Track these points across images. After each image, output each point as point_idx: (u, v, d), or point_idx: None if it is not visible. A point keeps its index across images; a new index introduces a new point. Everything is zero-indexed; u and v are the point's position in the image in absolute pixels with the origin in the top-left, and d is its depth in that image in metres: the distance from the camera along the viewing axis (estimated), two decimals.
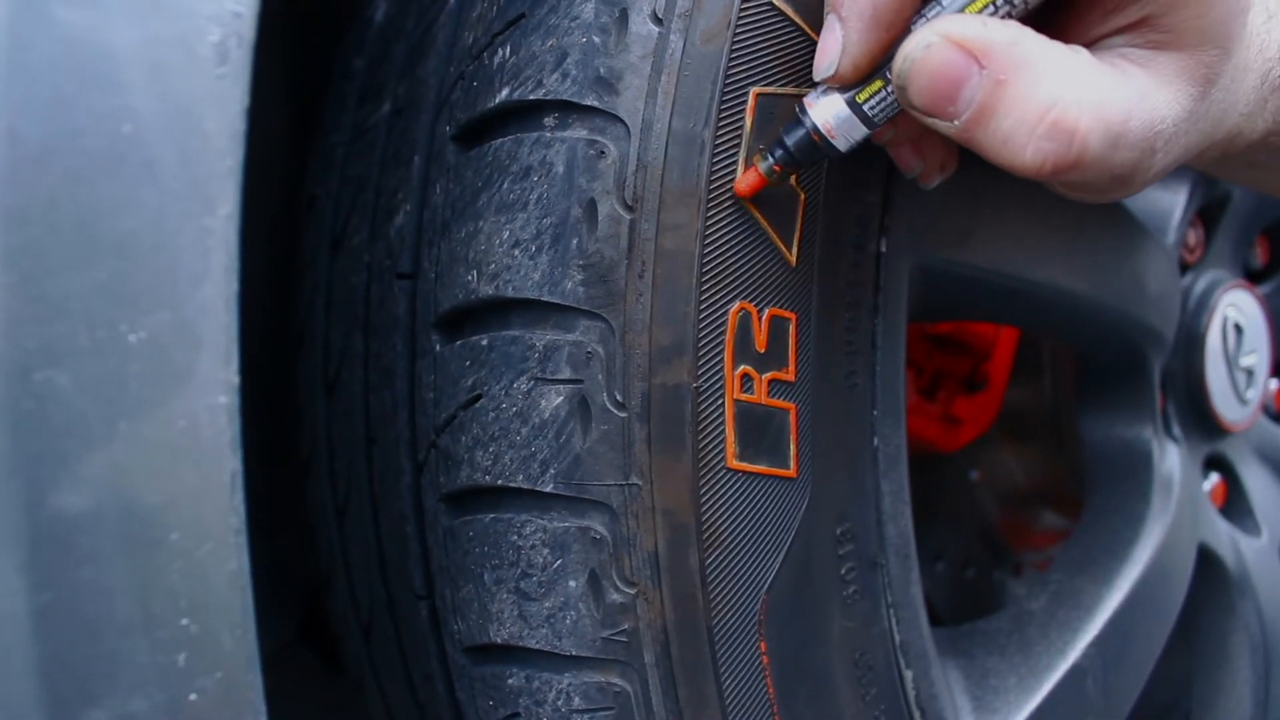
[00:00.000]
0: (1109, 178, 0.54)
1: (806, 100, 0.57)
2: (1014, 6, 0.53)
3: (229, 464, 0.44)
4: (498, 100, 0.60)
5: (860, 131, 0.56)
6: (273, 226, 0.88)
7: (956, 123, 0.52)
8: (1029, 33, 0.52)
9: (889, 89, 0.55)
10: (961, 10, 0.53)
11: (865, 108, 0.56)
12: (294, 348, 0.82)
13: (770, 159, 0.57)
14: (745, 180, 0.58)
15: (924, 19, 0.54)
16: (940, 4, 0.53)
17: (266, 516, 0.90)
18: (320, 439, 0.79)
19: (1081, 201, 0.62)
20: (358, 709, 0.86)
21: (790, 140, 0.57)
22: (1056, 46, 0.52)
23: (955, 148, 0.62)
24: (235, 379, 0.44)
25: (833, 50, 0.55)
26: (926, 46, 0.52)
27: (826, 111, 0.56)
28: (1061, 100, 0.50)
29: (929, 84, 0.52)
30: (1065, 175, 0.52)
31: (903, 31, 0.54)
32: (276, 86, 0.90)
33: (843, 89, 0.56)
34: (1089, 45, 0.56)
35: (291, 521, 0.88)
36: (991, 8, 0.53)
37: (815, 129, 0.56)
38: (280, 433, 0.86)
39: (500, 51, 0.61)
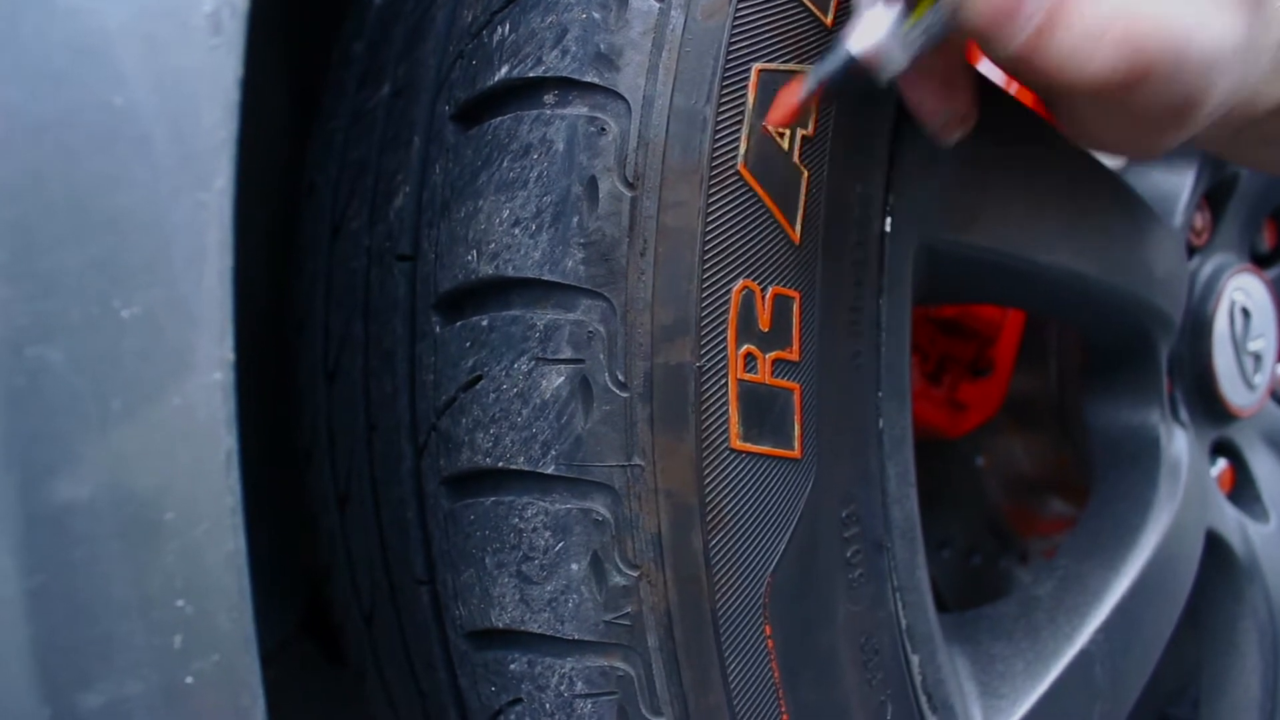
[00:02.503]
0: (1167, 107, 0.53)
1: (849, 27, 0.55)
2: None
3: (224, 443, 0.43)
4: (497, 78, 0.60)
5: (901, 60, 0.54)
6: (275, 217, 0.87)
7: (1013, 44, 0.51)
8: None
9: (934, 13, 0.53)
10: None
11: (909, 35, 0.54)
12: (295, 336, 0.81)
13: (808, 86, 0.56)
14: (780, 107, 0.56)
15: None
16: None
17: (269, 509, 0.90)
18: (321, 426, 0.78)
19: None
20: (360, 701, 0.86)
21: (830, 66, 0.55)
22: None
23: (977, 93, 0.61)
24: (230, 356, 0.43)
25: None
26: None
27: (868, 38, 0.54)
28: (1128, 11, 0.50)
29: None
30: (1130, 92, 0.51)
31: None
32: (278, 75, 0.89)
33: (886, 5, 0.54)
34: None
35: (293, 514, 0.87)
36: None
37: (857, 56, 0.54)
38: (283, 425, 0.85)
39: (499, 29, 0.60)
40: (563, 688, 0.59)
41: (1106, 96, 0.52)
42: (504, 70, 0.59)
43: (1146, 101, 0.52)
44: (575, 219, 0.56)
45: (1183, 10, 0.52)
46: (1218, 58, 0.53)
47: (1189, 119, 0.55)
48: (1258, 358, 1.15)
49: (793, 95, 0.56)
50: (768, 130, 0.58)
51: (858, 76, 0.55)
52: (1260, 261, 1.28)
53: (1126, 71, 0.50)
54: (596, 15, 0.57)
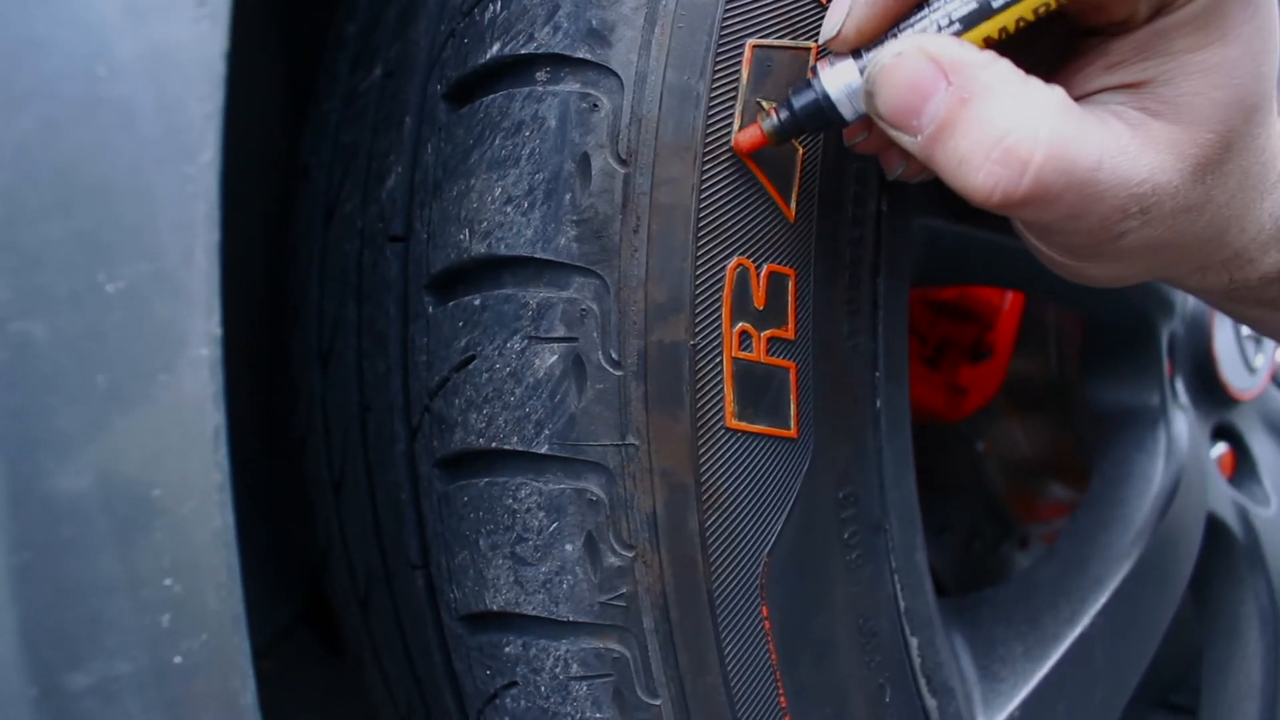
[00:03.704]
0: (1080, 231, 0.53)
1: (820, 64, 0.56)
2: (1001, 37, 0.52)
3: (212, 419, 0.43)
4: (489, 56, 0.59)
5: (858, 110, 0.55)
6: (271, 202, 0.87)
7: (919, 138, 0.52)
8: (1006, 63, 0.51)
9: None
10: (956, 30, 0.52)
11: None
12: (290, 321, 0.81)
13: (776, 119, 0.56)
14: (747, 136, 0.57)
15: (912, 28, 0.53)
16: (931, 7, 0.53)
17: (267, 502, 0.90)
18: (316, 411, 0.77)
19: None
20: (358, 692, 0.85)
21: (798, 103, 0.55)
22: (1032, 81, 0.51)
23: None
24: (218, 331, 0.43)
25: (839, 13, 0.54)
26: (898, 54, 0.51)
27: (838, 79, 0.55)
28: (1020, 129, 0.49)
29: (895, 93, 0.51)
30: (1019, 209, 0.51)
31: (909, 10, 0.53)
32: (272, 60, 0.89)
33: (855, 57, 0.54)
34: (1083, 97, 0.55)
35: (292, 507, 0.87)
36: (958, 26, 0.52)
37: (824, 95, 0.55)
38: (281, 420, 0.85)
39: (491, 7, 0.60)
40: (558, 670, 0.59)
41: (1005, 211, 0.51)
42: (496, 48, 0.59)
43: (1045, 216, 0.52)
44: (568, 196, 0.55)
45: (1097, 139, 0.51)
46: (1140, 191, 0.52)
47: (1111, 246, 0.54)
48: (1258, 341, 1.14)
49: (759, 127, 0.56)
50: (763, 105, 0.57)
51: (824, 117, 0.56)
52: None
53: (1008, 187, 0.50)
54: None
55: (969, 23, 0.52)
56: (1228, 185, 0.55)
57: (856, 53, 0.54)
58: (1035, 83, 0.51)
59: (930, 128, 0.51)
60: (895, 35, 0.53)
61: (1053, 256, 0.59)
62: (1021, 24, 0.52)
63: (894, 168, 0.60)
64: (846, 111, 0.55)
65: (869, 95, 0.53)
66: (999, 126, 0.49)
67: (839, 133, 0.61)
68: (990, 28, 0.52)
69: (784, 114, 0.56)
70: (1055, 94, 0.51)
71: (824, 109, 0.55)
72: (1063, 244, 0.56)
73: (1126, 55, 0.54)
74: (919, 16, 0.53)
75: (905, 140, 0.52)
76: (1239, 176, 0.55)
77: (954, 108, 0.50)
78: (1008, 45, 0.52)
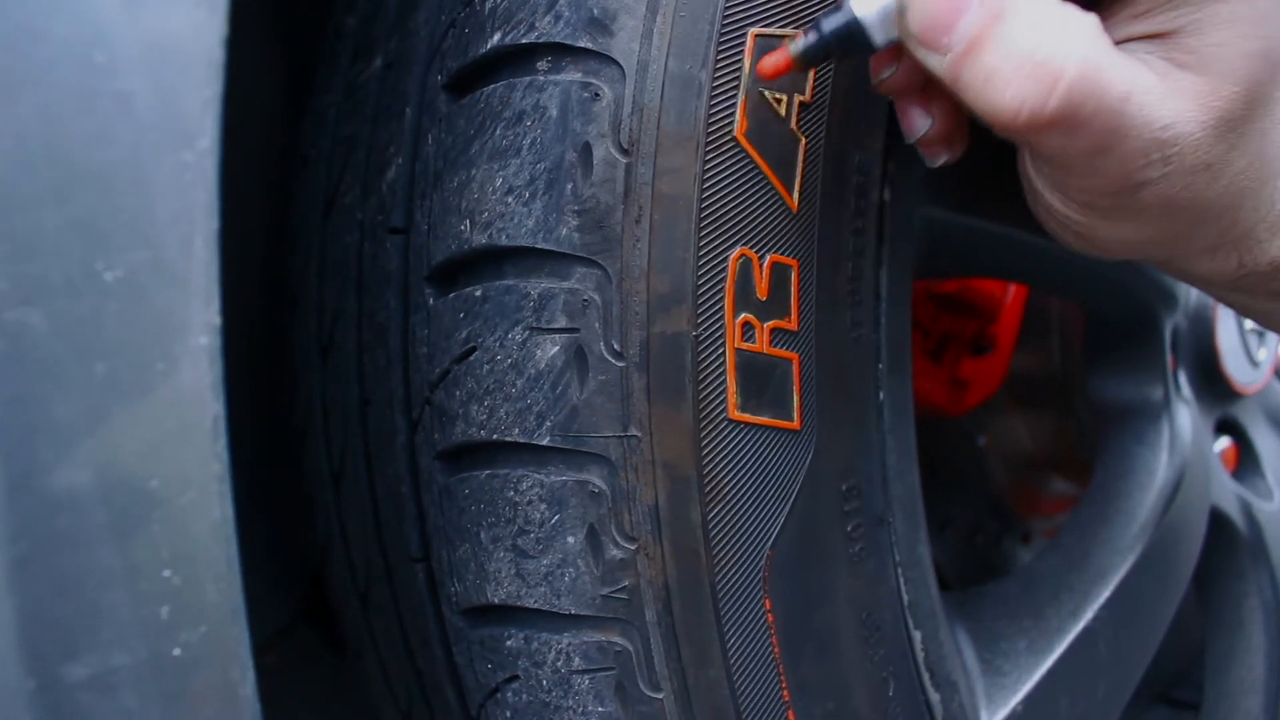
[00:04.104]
0: (1100, 173, 0.53)
1: None
2: None
3: (210, 409, 0.42)
4: (489, 46, 0.59)
5: (890, 35, 0.54)
6: (270, 196, 0.86)
7: (947, 58, 0.51)
8: None
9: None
10: None
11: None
12: (289, 313, 0.81)
13: (804, 43, 0.55)
14: (771, 61, 0.55)
15: None
16: None
17: (267, 496, 0.90)
18: (315, 403, 0.77)
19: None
20: (359, 688, 0.85)
21: (828, 26, 0.54)
22: (1066, 5, 0.51)
23: (965, 121, 0.60)
24: (217, 320, 0.42)
25: None
26: None
27: (870, 2, 0.54)
28: (1052, 46, 0.49)
29: (929, 8, 0.51)
30: (1045, 131, 0.50)
31: None
32: (272, 52, 0.89)
33: None
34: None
35: (291, 504, 0.87)
36: None
37: (855, 18, 0.54)
38: (282, 416, 0.84)
39: None
40: (560, 664, 0.58)
41: (1031, 132, 0.51)
42: (496, 37, 0.58)
43: (1069, 144, 0.52)
44: (569, 186, 0.55)
45: (1129, 71, 0.51)
46: (1165, 136, 0.51)
47: (1129, 204, 0.54)
48: (1261, 334, 1.14)
49: (785, 52, 0.55)
50: (764, 94, 0.57)
51: (853, 42, 0.55)
52: None
53: (1036, 105, 0.49)
54: None
55: None
56: (1248, 148, 0.54)
57: None
58: (1070, 6, 0.51)
59: (960, 45, 0.51)
60: None
61: (1065, 214, 0.58)
62: None
63: (916, 125, 0.59)
64: (877, 36, 0.54)
65: (901, 13, 0.52)
66: (1031, 41, 0.49)
67: (841, 124, 0.60)
68: None
69: (812, 37, 0.55)
70: (1089, 19, 0.51)
71: (853, 33, 0.54)
72: (1080, 191, 0.56)
73: (1154, 4, 0.53)
74: None
75: (933, 61, 0.52)
76: (1258, 141, 0.55)
77: (986, 24, 0.50)
78: None
